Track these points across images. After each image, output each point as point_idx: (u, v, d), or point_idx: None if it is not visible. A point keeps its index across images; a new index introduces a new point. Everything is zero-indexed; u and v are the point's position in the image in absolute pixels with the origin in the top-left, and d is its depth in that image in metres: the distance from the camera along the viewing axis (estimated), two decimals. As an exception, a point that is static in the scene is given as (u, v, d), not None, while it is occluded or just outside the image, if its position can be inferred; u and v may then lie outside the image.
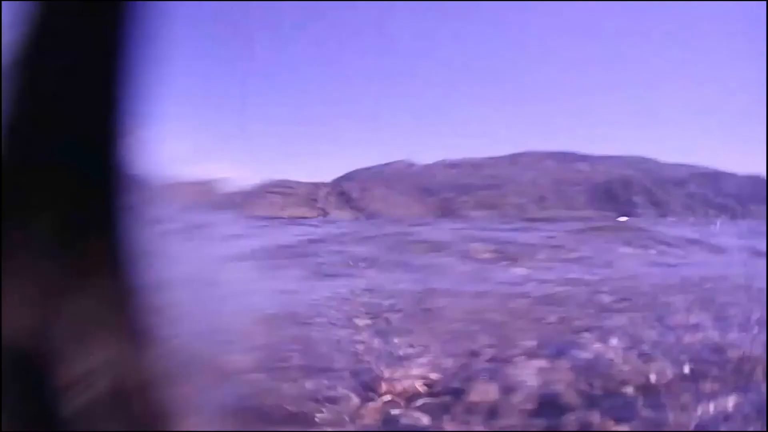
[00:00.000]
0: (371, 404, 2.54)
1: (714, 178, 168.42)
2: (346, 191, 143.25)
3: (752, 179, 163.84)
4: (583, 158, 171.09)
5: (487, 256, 8.94)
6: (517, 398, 2.62)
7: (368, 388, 2.72)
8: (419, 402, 2.61)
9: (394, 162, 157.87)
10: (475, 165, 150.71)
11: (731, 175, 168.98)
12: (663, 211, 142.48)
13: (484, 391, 2.66)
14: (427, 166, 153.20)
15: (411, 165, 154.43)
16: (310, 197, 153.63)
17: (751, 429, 2.16)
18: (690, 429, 2.16)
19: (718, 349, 3.24)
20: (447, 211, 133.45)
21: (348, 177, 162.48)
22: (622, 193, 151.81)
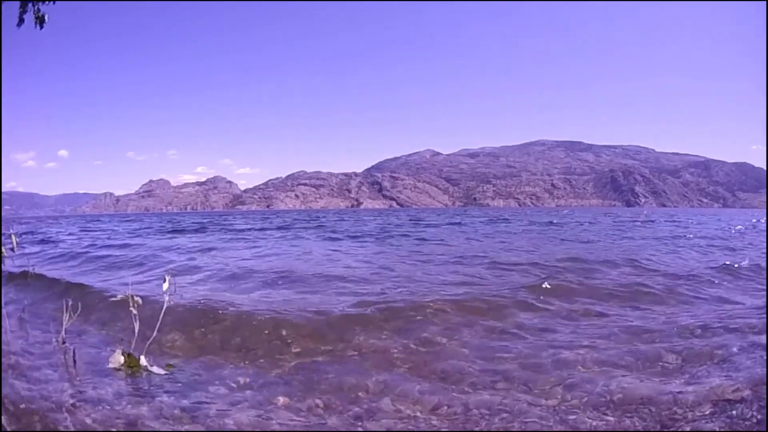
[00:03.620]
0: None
1: (705, 166, 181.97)
2: (378, 181, 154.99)
3: (740, 166, 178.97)
4: (588, 147, 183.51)
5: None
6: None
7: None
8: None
9: (420, 152, 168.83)
10: (493, 154, 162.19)
11: (721, 163, 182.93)
12: (662, 200, 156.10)
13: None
14: (450, 156, 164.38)
15: (435, 154, 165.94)
16: (343, 187, 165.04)
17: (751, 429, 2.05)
18: (689, 429, 2.16)
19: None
20: (470, 200, 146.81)
21: (377, 167, 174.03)
22: (624, 182, 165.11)
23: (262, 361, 3.57)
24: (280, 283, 6.39)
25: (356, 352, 3.64)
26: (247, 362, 3.54)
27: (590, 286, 5.72)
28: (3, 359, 3.36)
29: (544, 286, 5.55)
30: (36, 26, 4.97)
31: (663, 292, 5.43)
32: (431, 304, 4.67)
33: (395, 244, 12.85)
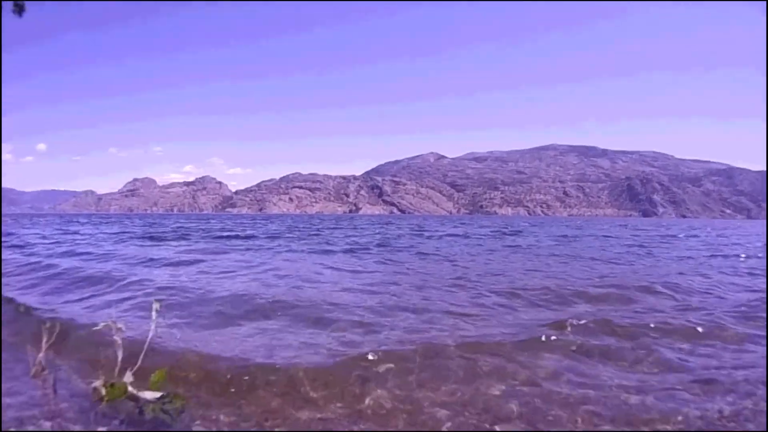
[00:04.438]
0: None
1: (728, 174, 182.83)
2: (379, 185, 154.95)
3: (765, 175, 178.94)
4: (603, 153, 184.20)
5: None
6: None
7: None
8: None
9: (423, 155, 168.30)
10: (501, 159, 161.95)
11: (744, 171, 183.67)
12: (681, 210, 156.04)
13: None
14: (455, 160, 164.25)
15: (440, 158, 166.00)
16: (341, 191, 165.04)
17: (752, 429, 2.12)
18: (689, 429, 2.24)
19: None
20: (476, 208, 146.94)
21: (378, 171, 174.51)
22: (642, 190, 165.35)
23: (246, 403, 3.42)
24: (273, 311, 6.07)
25: (347, 401, 3.43)
26: (230, 405, 3.39)
27: (622, 320, 5.37)
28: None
29: (569, 321, 5.19)
30: (14, 14, 4.92)
31: (706, 329, 5.08)
32: (436, 344, 4.40)
33: (396, 261, 12.47)
